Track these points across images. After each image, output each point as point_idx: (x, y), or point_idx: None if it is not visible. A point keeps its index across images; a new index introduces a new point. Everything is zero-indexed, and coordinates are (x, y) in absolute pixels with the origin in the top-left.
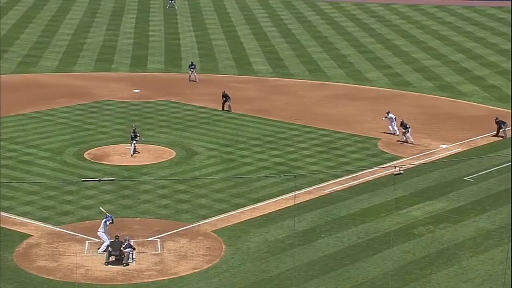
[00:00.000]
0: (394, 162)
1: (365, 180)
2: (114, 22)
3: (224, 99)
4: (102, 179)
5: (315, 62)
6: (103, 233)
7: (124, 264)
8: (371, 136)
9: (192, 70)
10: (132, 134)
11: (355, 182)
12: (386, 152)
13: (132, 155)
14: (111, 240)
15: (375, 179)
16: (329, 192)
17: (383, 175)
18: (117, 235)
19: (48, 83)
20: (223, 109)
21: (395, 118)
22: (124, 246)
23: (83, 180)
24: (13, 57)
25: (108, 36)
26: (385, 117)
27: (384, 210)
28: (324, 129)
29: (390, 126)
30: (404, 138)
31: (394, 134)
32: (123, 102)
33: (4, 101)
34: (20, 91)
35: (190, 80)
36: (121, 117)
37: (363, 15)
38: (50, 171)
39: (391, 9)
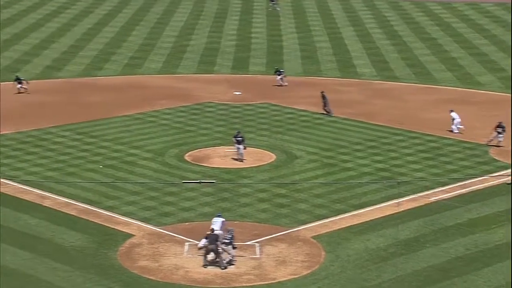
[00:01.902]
0: (507, 171)
1: (475, 189)
2: (217, 24)
3: (323, 100)
4: (202, 181)
5: (422, 65)
6: (220, 232)
7: (223, 268)
8: (482, 142)
9: (280, 75)
10: (237, 138)
11: (463, 191)
12: (498, 160)
13: (242, 161)
14: (207, 233)
15: (486, 188)
16: (434, 200)
17: (495, 184)
18: (212, 228)
19: (152, 84)
20: (324, 110)
21: (453, 119)
22: (226, 239)
23: (183, 182)
24: (120, 59)
25: (211, 38)
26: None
27: (495, 221)
28: (431, 135)
29: (453, 126)
30: (491, 139)
31: (452, 131)
32: (224, 104)
33: (111, 103)
34: (125, 93)
35: (277, 85)
36: (222, 119)
37: (476, 15)
38: (152, 172)
39: (507, 8)
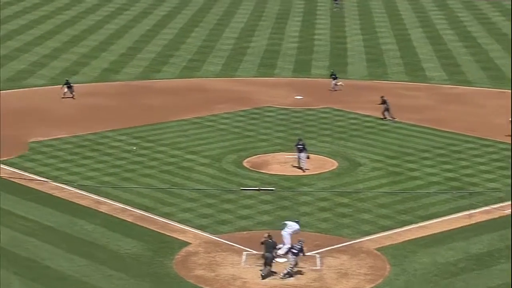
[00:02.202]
0: None
1: None
2: (279, 25)
3: (383, 105)
4: (261, 188)
5: (498, 68)
6: (288, 235)
7: (282, 276)
8: None
9: (334, 79)
10: (298, 146)
11: None
12: None
13: (304, 171)
14: (264, 239)
15: None
16: (510, 213)
17: None
18: (269, 234)
19: (211, 88)
20: (383, 115)
21: None
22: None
23: (241, 189)
24: (178, 61)
25: (272, 40)
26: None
27: None
28: (505, 143)
29: None
30: None
31: None
32: (284, 108)
33: (168, 106)
34: (183, 96)
35: (330, 89)
36: (282, 124)
37: None
38: (209, 178)
39: None
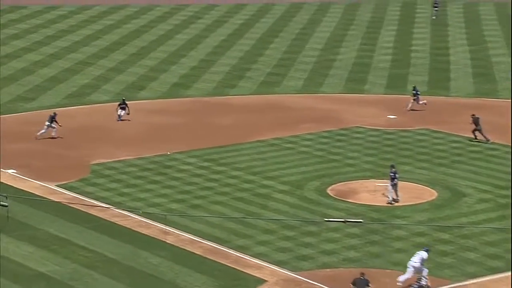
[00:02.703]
0: None
1: None
2: (370, 35)
3: (474, 125)
4: (347, 220)
5: None
6: (412, 267)
7: None
8: None
9: (416, 95)
10: (391, 174)
11: None
12: None
13: (391, 203)
14: (356, 278)
15: None
16: None
17: None
18: (362, 272)
19: (291, 105)
20: (474, 135)
21: None
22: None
23: (325, 220)
24: (255, 75)
25: (362, 52)
26: None
27: None
28: None
29: None
30: None
31: None
32: (375, 130)
33: (243, 126)
34: (260, 114)
35: (409, 109)
36: (373, 147)
37: None
38: (288, 207)
39: None
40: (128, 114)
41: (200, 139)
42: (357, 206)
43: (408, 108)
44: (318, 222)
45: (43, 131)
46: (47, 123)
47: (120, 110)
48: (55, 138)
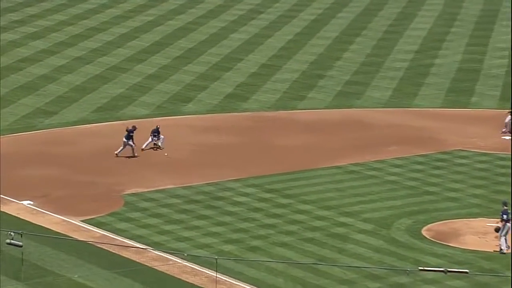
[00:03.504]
0: None
1: None
2: (480, 33)
3: None
4: (449, 270)
5: None
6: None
7: None
8: None
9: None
10: (503, 213)
11: None
12: None
13: (503, 252)
14: None
15: None
16: None
17: None
18: None
19: (375, 122)
20: None
21: None
22: None
23: (420, 269)
24: (330, 85)
25: (469, 55)
26: None
27: None
28: None
29: None
30: None
31: None
32: (485, 154)
33: (314, 147)
34: (336, 133)
35: (504, 130)
36: (481, 176)
37: None
38: (372, 252)
39: None
40: (156, 147)
41: (260, 164)
42: (461, 252)
43: (504, 130)
44: (410, 271)
45: (145, 144)
46: (150, 138)
47: (152, 137)
48: (134, 156)
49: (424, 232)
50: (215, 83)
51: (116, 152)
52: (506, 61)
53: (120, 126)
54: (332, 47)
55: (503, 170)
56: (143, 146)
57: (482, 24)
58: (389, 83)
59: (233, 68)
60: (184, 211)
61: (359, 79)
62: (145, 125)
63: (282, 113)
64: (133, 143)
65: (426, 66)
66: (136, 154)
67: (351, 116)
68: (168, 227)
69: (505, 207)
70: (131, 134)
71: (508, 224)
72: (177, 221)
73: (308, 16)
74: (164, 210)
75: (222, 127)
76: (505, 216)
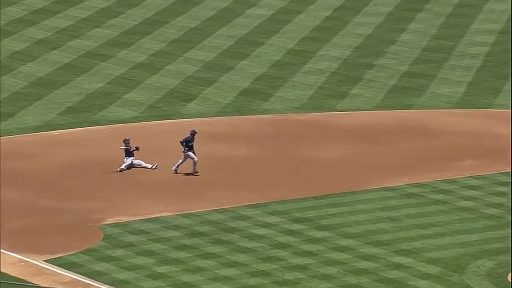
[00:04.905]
0: None
1: None
2: None
3: None
4: None
5: None
6: None
7: None
8: None
9: None
10: None
11: None
12: None
13: None
14: None
15: None
16: None
17: None
18: None
19: (443, 128)
20: None
21: None
22: None
23: None
24: (381, 77)
25: None
26: None
27: None
28: None
29: None
30: None
31: None
32: None
33: (359, 162)
34: (390, 143)
35: None
36: None
37: None
38: None
39: None
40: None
41: (286, 184)
42: None
43: None
44: None
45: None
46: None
47: (127, 157)
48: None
49: (511, 277)
50: (226, 75)
51: (173, 168)
52: None
53: (99, 132)
54: (385, 27)
55: None
56: (174, 167)
57: None
58: (463, 75)
59: (250, 55)
60: (185, 248)
61: (420, 70)
62: (132, 131)
63: (316, 115)
64: (194, 155)
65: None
66: (197, 171)
67: (410, 120)
68: (162, 269)
69: None
70: (190, 143)
71: None
72: (174, 261)
73: None
74: (158, 246)
75: (235, 135)
76: None
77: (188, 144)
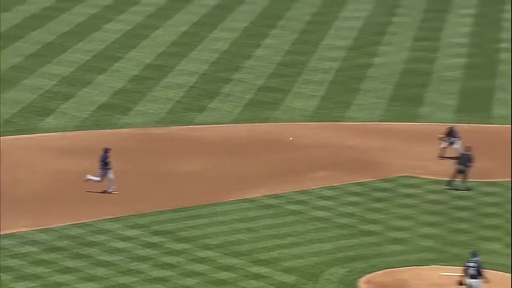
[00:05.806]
0: None
1: None
2: (431, 24)
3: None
4: None
5: None
6: None
7: None
8: None
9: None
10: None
11: None
12: None
13: None
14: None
15: None
16: None
17: None
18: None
19: (298, 140)
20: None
21: None
22: None
23: None
24: (238, 91)
25: (417, 52)
26: None
27: None
28: None
29: None
30: None
31: None
32: (439, 181)
33: (219, 174)
34: (247, 156)
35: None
36: (435, 211)
37: None
38: None
39: None
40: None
41: (146, 197)
42: None
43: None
44: None
45: None
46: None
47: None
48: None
49: (362, 284)
50: (84, 89)
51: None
52: (463, 60)
53: None
54: (241, 42)
55: (463, 203)
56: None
57: (432, 13)
58: (315, 89)
59: (108, 69)
60: (43, 263)
61: (276, 84)
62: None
63: (175, 129)
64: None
65: (362, 67)
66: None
67: (266, 133)
68: (19, 285)
69: (474, 258)
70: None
71: (477, 280)
72: (32, 276)
73: (208, 1)
74: (14, 262)
75: (94, 149)
76: (470, 268)
77: (105, 161)
